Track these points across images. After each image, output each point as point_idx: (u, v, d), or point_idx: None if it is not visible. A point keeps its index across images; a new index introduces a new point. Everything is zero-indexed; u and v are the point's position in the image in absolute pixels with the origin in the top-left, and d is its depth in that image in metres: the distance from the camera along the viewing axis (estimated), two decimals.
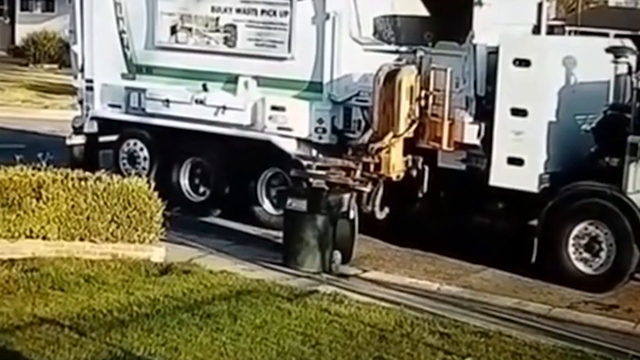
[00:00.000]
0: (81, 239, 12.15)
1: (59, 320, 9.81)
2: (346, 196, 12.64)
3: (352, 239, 12.75)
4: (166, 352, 9.18)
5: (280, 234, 12.96)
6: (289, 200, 12.51)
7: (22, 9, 42.21)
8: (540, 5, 14.51)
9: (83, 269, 11.63)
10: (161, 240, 12.49)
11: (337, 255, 12.48)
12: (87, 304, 10.38)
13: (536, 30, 14.48)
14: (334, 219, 12.45)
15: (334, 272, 12.34)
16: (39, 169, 12.44)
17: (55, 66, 37.05)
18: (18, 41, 40.98)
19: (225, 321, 10.03)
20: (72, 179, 12.33)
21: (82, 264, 11.80)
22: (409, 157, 13.29)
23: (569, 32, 29.44)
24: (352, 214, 12.66)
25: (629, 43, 13.43)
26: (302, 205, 12.37)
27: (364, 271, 12.62)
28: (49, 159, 12.88)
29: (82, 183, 12.26)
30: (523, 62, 12.52)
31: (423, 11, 14.41)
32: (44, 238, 12.04)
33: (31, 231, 12.00)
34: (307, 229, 12.32)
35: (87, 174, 12.61)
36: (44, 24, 39.48)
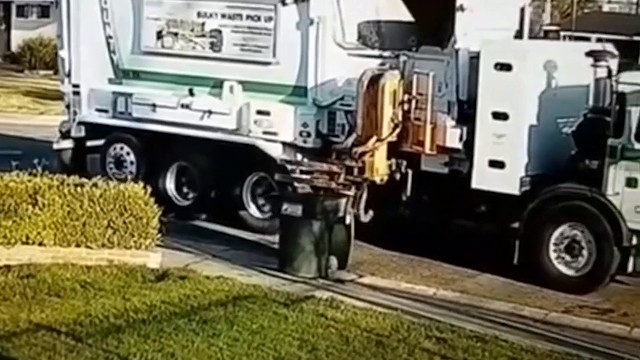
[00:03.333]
0: (77, 245, 12.15)
1: (55, 327, 9.81)
2: (342, 201, 12.66)
3: (348, 244, 12.76)
4: (163, 358, 9.19)
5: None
6: (285, 206, 12.53)
7: (17, 15, 42.20)
8: (522, 10, 14.61)
9: (79, 275, 11.63)
10: (157, 246, 12.49)
11: (333, 261, 12.50)
12: (84, 310, 10.37)
13: (519, 35, 14.58)
14: (330, 224, 12.47)
15: (330, 278, 12.35)
16: (35, 175, 12.44)
17: (51, 72, 36.93)
18: (14, 47, 40.97)
19: (222, 327, 10.04)
20: (68, 185, 12.34)
21: (78, 270, 11.79)
22: (393, 160, 13.36)
23: (564, 37, 29.52)
24: (348, 219, 12.68)
25: (610, 47, 13.50)
26: (297, 210, 12.39)
27: (360, 276, 12.63)
28: (45, 165, 12.88)
29: (78, 189, 12.26)
30: (504, 67, 12.66)
31: (408, 16, 14.48)
32: (40, 244, 12.03)
33: (27, 237, 11.99)
34: (303, 235, 12.33)
35: (83, 180, 12.63)
36: (40, 30, 39.48)
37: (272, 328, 10.10)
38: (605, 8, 47.53)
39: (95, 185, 12.42)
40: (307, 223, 12.34)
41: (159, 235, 12.46)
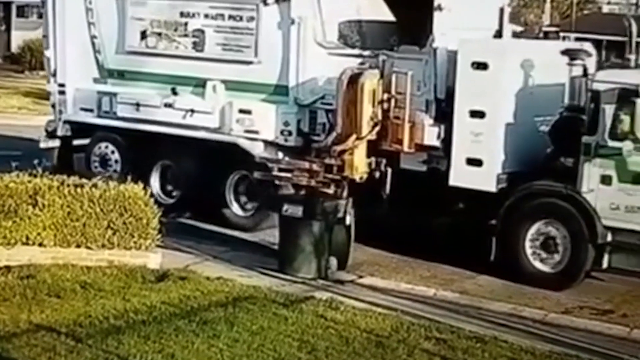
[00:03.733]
0: (77, 246, 12.16)
1: (55, 327, 9.82)
2: (342, 202, 12.67)
3: (348, 245, 12.78)
4: (163, 359, 9.19)
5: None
6: (285, 206, 12.54)
7: (17, 16, 42.18)
8: (501, 10, 14.69)
9: (79, 275, 11.64)
10: (157, 246, 12.50)
11: (333, 261, 12.51)
12: (84, 310, 10.38)
13: (498, 34, 14.64)
14: (330, 225, 12.47)
15: (330, 278, 12.36)
16: (35, 176, 12.46)
17: None
18: (14, 48, 40.95)
19: (222, 328, 10.05)
20: (68, 185, 12.35)
21: (78, 270, 11.80)
22: (372, 158, 13.41)
23: (564, 38, 29.55)
24: (348, 220, 12.69)
25: (587, 46, 13.56)
26: (297, 211, 12.40)
27: (360, 277, 12.64)
28: (45, 166, 12.89)
29: (78, 190, 12.27)
30: (481, 65, 12.76)
31: (389, 16, 14.57)
32: (40, 245, 12.04)
33: (27, 238, 12.01)
34: (303, 235, 12.34)
35: (83, 180, 12.64)
36: (40, 30, 39.43)
37: (272, 329, 10.11)
38: (605, 9, 47.56)
39: (95, 186, 12.44)
40: (307, 224, 12.35)
41: (159, 236, 12.47)
